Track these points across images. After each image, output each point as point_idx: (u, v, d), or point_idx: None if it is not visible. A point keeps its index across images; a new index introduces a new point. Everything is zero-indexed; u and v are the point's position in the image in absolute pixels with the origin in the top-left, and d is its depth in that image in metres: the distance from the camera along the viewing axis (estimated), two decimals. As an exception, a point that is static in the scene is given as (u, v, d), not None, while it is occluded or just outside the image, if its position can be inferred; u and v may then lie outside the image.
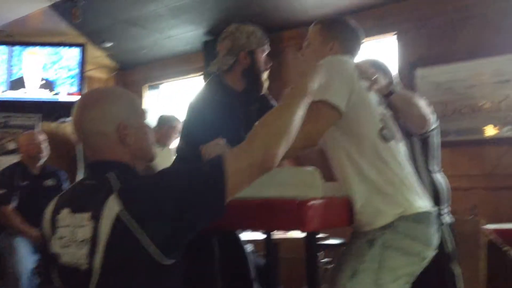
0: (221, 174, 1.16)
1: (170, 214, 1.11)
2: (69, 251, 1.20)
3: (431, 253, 1.54)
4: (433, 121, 2.11)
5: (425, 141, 2.15)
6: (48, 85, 4.96)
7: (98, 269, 1.13)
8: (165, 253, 1.12)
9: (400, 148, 1.64)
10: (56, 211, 1.27)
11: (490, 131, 3.72)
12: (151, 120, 4.20)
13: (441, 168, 2.30)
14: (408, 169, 1.61)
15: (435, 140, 2.22)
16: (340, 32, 1.77)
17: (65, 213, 1.24)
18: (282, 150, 1.25)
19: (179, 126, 4.00)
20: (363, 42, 1.82)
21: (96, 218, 1.14)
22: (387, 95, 1.73)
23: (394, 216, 1.48)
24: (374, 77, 1.62)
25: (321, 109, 1.50)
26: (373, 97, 1.63)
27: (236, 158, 1.20)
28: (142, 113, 1.34)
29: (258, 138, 1.23)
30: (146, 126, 1.34)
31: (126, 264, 1.12)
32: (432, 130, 2.17)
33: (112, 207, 1.11)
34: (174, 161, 2.13)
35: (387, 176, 1.53)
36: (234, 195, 1.20)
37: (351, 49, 1.77)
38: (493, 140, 3.69)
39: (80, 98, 1.34)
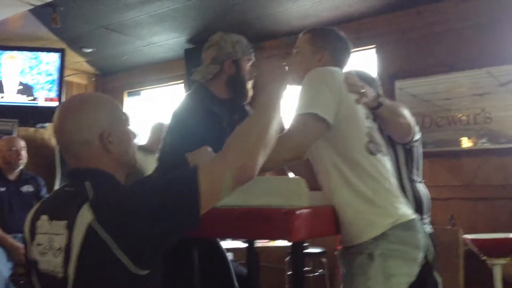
0: (195, 186, 1.13)
1: (141, 227, 1.09)
2: (46, 258, 1.19)
3: (422, 256, 1.57)
4: (417, 131, 2.14)
5: (409, 151, 2.19)
6: (26, 90, 4.88)
7: (72, 278, 1.11)
8: (138, 264, 1.10)
9: (386, 161, 1.65)
10: (36, 217, 1.26)
11: (467, 143, 3.81)
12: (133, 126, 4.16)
13: (422, 178, 2.34)
14: (393, 181, 1.64)
15: (419, 150, 2.26)
16: (330, 42, 1.76)
17: (43, 219, 1.22)
18: (260, 160, 1.23)
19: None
20: (350, 57, 1.81)
21: (70, 227, 1.12)
22: (375, 108, 1.74)
23: (385, 227, 1.50)
24: (363, 90, 1.63)
25: (309, 122, 1.51)
26: (361, 110, 1.64)
27: (211, 169, 1.17)
28: (125, 120, 1.32)
29: (234, 148, 1.21)
30: (130, 133, 1.33)
31: (99, 274, 1.10)
32: (416, 140, 2.20)
33: (84, 217, 1.10)
34: (155, 169, 2.11)
35: (375, 188, 1.54)
36: (210, 206, 1.18)
37: (340, 60, 1.77)
38: (471, 152, 3.77)
39: (61, 105, 1.31)
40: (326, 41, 1.76)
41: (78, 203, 1.13)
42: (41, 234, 1.22)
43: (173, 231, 1.14)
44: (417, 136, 2.20)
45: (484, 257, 3.09)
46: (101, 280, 1.10)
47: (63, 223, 1.15)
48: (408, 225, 1.53)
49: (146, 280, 1.13)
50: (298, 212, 1.35)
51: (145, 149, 3.83)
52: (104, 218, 1.09)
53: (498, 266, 3.04)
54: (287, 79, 1.45)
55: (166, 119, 3.76)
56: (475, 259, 3.17)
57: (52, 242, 1.17)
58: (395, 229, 1.50)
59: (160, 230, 1.11)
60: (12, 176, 3.59)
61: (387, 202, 1.54)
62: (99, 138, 1.23)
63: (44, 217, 1.22)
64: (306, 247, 3.58)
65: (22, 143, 3.61)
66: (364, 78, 1.75)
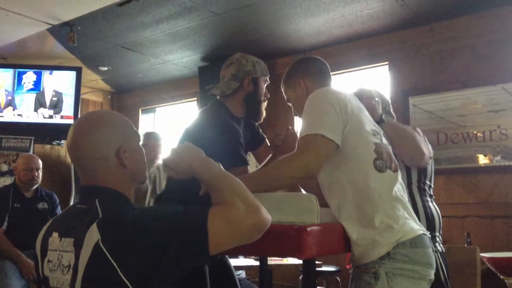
0: (204, 227, 1.12)
1: (145, 260, 1.09)
2: (55, 275, 1.20)
3: (433, 274, 1.53)
4: (430, 153, 2.14)
5: (422, 170, 2.17)
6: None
7: None
8: None
9: (396, 178, 1.62)
10: (48, 234, 1.27)
11: (483, 160, 3.76)
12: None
13: (433, 196, 2.33)
14: (403, 197, 1.61)
15: (431, 168, 2.25)
16: (297, 70, 1.83)
17: (55, 236, 1.24)
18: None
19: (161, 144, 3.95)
20: (325, 64, 1.86)
21: (78, 244, 1.13)
22: (378, 122, 1.76)
23: (390, 245, 1.47)
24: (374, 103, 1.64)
25: (319, 141, 1.51)
26: (368, 126, 1.63)
27: (221, 218, 1.15)
28: (137, 136, 1.35)
29: (243, 200, 1.18)
30: (141, 149, 1.35)
31: None
32: (429, 157, 2.20)
33: (92, 236, 1.10)
34: (166, 185, 2.13)
35: (381, 206, 1.52)
36: (223, 248, 1.16)
37: (323, 77, 1.81)
38: (487, 169, 3.72)
39: (76, 123, 1.32)
40: (293, 74, 1.84)
41: (87, 222, 1.14)
42: (51, 251, 1.23)
43: (178, 268, 1.13)
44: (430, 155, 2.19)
45: (502, 276, 3.03)
46: None
47: (71, 240, 1.16)
48: (415, 242, 1.50)
49: None
50: (309, 229, 1.34)
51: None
52: (110, 241, 1.09)
53: (516, 286, 2.98)
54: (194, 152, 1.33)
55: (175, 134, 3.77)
56: (492, 278, 3.11)
57: (61, 259, 1.18)
58: (401, 246, 1.48)
59: (164, 265, 1.10)
60: (28, 193, 3.62)
61: (393, 221, 1.51)
62: (116, 154, 1.25)
63: (55, 234, 1.24)
64: (320, 265, 3.54)
65: (39, 163, 3.64)
66: (376, 95, 1.75)
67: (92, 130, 1.27)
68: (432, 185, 2.28)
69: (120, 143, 1.26)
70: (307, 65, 1.83)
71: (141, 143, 1.35)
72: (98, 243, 1.09)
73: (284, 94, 1.88)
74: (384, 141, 1.68)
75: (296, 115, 1.88)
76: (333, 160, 1.56)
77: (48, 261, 1.23)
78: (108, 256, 1.08)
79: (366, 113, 1.69)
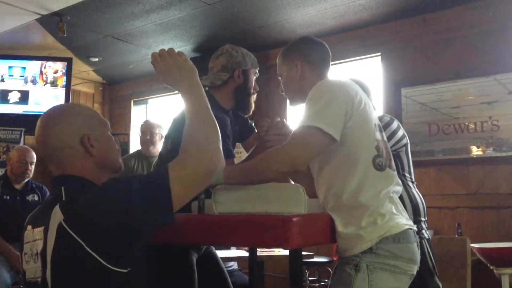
0: (166, 182, 1.15)
1: (109, 225, 1.10)
2: (29, 266, 1.21)
3: (416, 269, 1.52)
4: (400, 136, 2.28)
5: (396, 156, 2.24)
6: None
7: (50, 280, 1.12)
8: (111, 263, 1.10)
9: (394, 176, 1.59)
10: (24, 229, 1.29)
11: (474, 151, 3.76)
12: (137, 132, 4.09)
13: (415, 182, 2.39)
14: (395, 194, 1.58)
15: (407, 155, 2.34)
16: (297, 51, 1.72)
17: (28, 229, 1.26)
18: (218, 141, 1.27)
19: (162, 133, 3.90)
20: (329, 52, 1.76)
21: (46, 230, 1.15)
22: None
23: (373, 241, 1.46)
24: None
25: (312, 135, 1.46)
26: (373, 121, 1.59)
27: (180, 166, 1.19)
28: (104, 125, 1.36)
29: (194, 144, 1.23)
30: (111, 137, 1.36)
31: (75, 272, 1.11)
32: (403, 145, 2.31)
33: (56, 218, 1.12)
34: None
35: (371, 207, 1.50)
36: (183, 202, 1.19)
37: (323, 66, 1.72)
38: (478, 160, 3.73)
39: (43, 115, 1.34)
40: (293, 52, 1.73)
41: (52, 207, 1.16)
42: (26, 243, 1.25)
43: (144, 228, 1.14)
44: (403, 141, 2.30)
45: (492, 267, 3.04)
46: (78, 278, 1.10)
47: (41, 229, 1.18)
48: (398, 237, 1.48)
49: (129, 278, 1.13)
50: (295, 219, 1.33)
51: (142, 155, 3.69)
52: (72, 219, 1.11)
53: (506, 276, 2.98)
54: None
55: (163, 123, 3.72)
56: (482, 269, 3.12)
57: (33, 249, 1.20)
58: (384, 242, 1.46)
59: (130, 226, 1.11)
60: (18, 186, 3.60)
61: (378, 215, 1.49)
62: (80, 142, 1.27)
63: (29, 227, 1.26)
64: (311, 256, 3.54)
65: (33, 157, 3.63)
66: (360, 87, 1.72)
67: (55, 120, 1.29)
68: (412, 172, 2.34)
69: (84, 131, 1.28)
70: (310, 50, 1.72)
71: (138, 132, 1.38)
72: (61, 223, 1.11)
73: (277, 66, 1.79)
74: (385, 137, 1.65)
75: (283, 92, 1.80)
76: (332, 153, 1.53)
77: (24, 253, 1.25)
78: (72, 234, 1.09)
79: (371, 106, 1.64)
